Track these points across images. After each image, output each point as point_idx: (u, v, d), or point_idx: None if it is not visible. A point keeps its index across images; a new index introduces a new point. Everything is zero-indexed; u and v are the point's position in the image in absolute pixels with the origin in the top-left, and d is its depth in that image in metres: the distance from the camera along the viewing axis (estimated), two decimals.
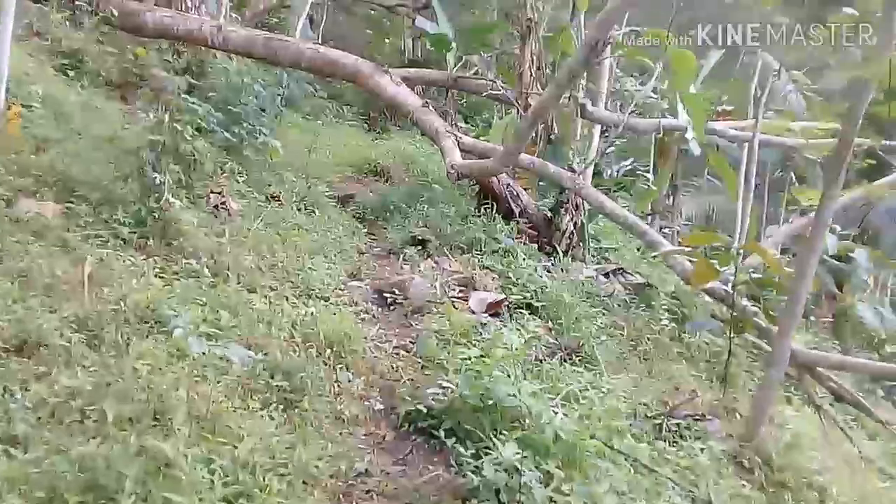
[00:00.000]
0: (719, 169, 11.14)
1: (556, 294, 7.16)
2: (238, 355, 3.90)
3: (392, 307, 6.49)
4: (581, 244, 9.29)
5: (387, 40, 22.01)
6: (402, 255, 7.97)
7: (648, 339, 7.71)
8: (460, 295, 6.81)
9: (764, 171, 16.18)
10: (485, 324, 6.17)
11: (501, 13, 20.18)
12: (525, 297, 7.05)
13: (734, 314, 6.32)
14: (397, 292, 6.51)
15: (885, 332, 13.99)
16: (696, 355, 7.93)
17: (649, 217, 15.20)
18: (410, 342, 5.69)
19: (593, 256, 9.40)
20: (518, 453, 3.63)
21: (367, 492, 3.71)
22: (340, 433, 4.21)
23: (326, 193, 9.99)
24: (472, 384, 4.17)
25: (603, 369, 6.21)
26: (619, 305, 8.11)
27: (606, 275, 8.60)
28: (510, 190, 9.50)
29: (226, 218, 7.18)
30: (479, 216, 9.03)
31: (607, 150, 16.88)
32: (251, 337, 4.76)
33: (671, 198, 16.25)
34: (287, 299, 5.79)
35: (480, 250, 8.08)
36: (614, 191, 14.93)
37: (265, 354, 4.54)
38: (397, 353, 5.55)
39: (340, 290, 6.60)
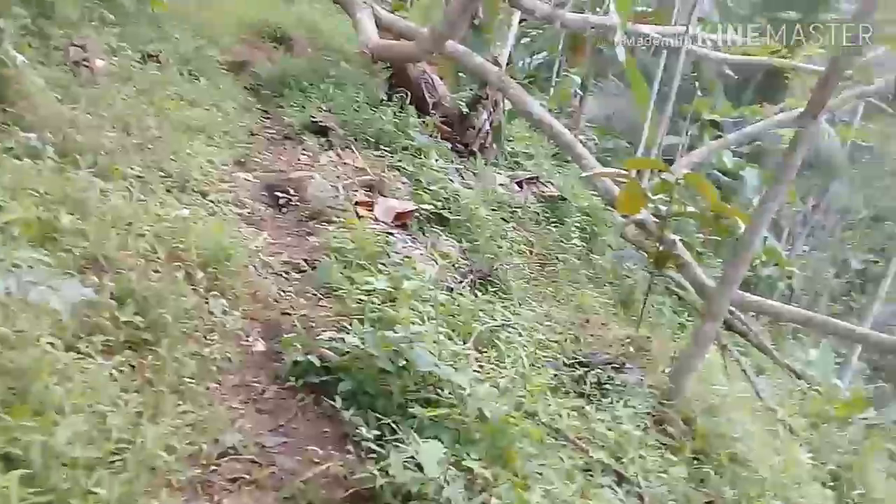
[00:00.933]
0: (631, 75, 10.28)
1: (470, 206, 6.22)
2: (68, 297, 2.77)
3: (285, 209, 5.37)
4: (496, 145, 8.32)
5: None
6: (300, 143, 6.75)
7: (558, 258, 6.98)
8: (366, 199, 5.75)
9: (671, 80, 15.62)
10: (391, 237, 5.19)
11: None
12: (436, 207, 6.08)
13: (660, 248, 5.60)
14: (292, 192, 5.38)
15: (762, 253, 14.01)
16: (601, 277, 7.31)
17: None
18: (304, 261, 4.62)
19: (507, 160, 8.46)
20: (437, 440, 2.77)
21: (234, 480, 2.76)
22: (207, 388, 3.21)
23: (217, 59, 8.48)
24: (380, 341, 3.22)
25: (516, 300, 5.40)
26: (530, 219, 7.30)
27: (520, 183, 7.73)
28: (425, 78, 8.31)
29: (87, 79, 5.73)
30: (390, 105, 7.83)
31: (521, 40, 15.77)
32: (99, 248, 3.59)
33: (578, 98, 15.41)
34: (154, 193, 4.57)
35: (389, 145, 6.97)
36: (526, 83, 13.98)
37: (116, 274, 3.42)
38: (287, 274, 4.49)
39: (223, 182, 5.40)
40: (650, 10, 14.37)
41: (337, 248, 4.59)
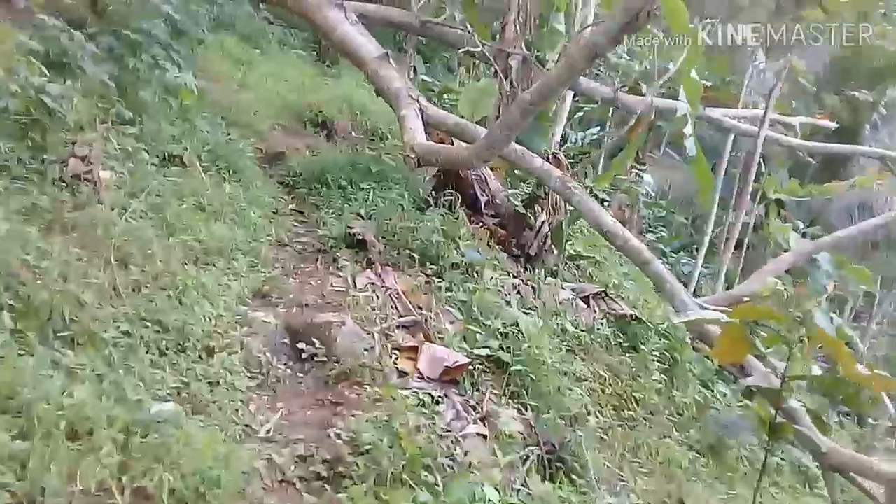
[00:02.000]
0: (698, 168, 9.00)
1: (533, 344, 5.02)
2: None
3: (308, 365, 4.23)
4: (556, 250, 7.13)
5: None
6: (334, 261, 5.66)
7: (636, 399, 5.71)
8: (409, 345, 4.59)
9: (737, 158, 14.35)
10: (439, 407, 4.01)
11: None
12: (492, 349, 4.89)
13: (777, 416, 4.30)
14: (318, 344, 4.23)
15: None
16: (684, 414, 6.02)
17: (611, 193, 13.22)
18: (324, 463, 3.43)
19: (568, 267, 7.25)
20: None
21: None
22: None
23: (250, 151, 7.53)
24: None
25: (593, 481, 4.16)
26: (600, 345, 6.06)
27: (586, 299, 6.50)
28: (477, 173, 7.21)
29: (88, 197, 4.74)
30: (438, 207, 6.72)
31: (575, 114, 14.71)
32: (36, 485, 2.49)
33: (634, 173, 14.19)
34: (139, 363, 3.48)
35: (437, 263, 5.83)
36: (578, 159, 12.86)
37: None
38: (303, 483, 3.30)
39: (235, 330, 4.30)
40: (714, 84, 13.20)
41: (367, 450, 3.38)
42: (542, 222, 7.08)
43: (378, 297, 5.21)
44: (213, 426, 3.33)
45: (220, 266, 4.95)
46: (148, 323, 3.86)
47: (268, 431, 3.54)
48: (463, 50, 7.73)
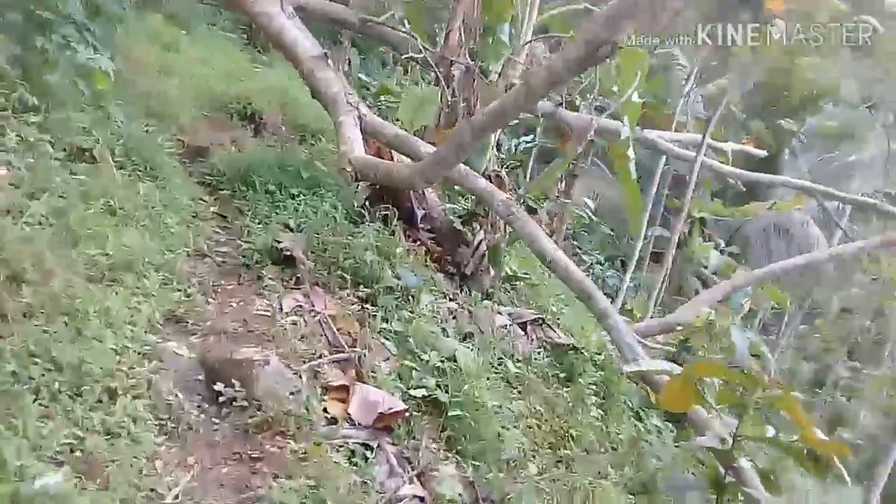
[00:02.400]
0: (625, 185, 8.87)
1: (471, 381, 4.65)
2: None
3: (225, 410, 3.71)
4: (493, 270, 6.79)
5: None
6: (259, 279, 5.13)
7: (572, 436, 5.44)
8: (339, 384, 4.13)
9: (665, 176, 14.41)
10: (371, 463, 3.58)
11: None
12: (429, 389, 4.49)
13: (726, 475, 4.08)
14: (237, 386, 3.71)
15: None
16: (620, 457, 5.78)
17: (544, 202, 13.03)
18: None
19: (504, 288, 6.92)
20: None
21: None
22: None
23: (170, 146, 6.85)
24: None
25: None
26: (536, 376, 5.76)
27: (523, 325, 6.18)
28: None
29: None
30: (373, 218, 6.26)
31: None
32: None
33: (564, 182, 14.04)
34: (21, 415, 2.91)
35: (371, 285, 5.37)
36: (512, 167, 12.62)
37: None
38: None
39: (142, 363, 3.74)
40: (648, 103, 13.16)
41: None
42: (480, 241, 6.72)
43: (306, 324, 4.72)
44: (111, 496, 2.80)
45: (129, 284, 4.35)
46: (38, 360, 3.27)
47: (176, 497, 3.03)
48: (406, 56, 7.25)
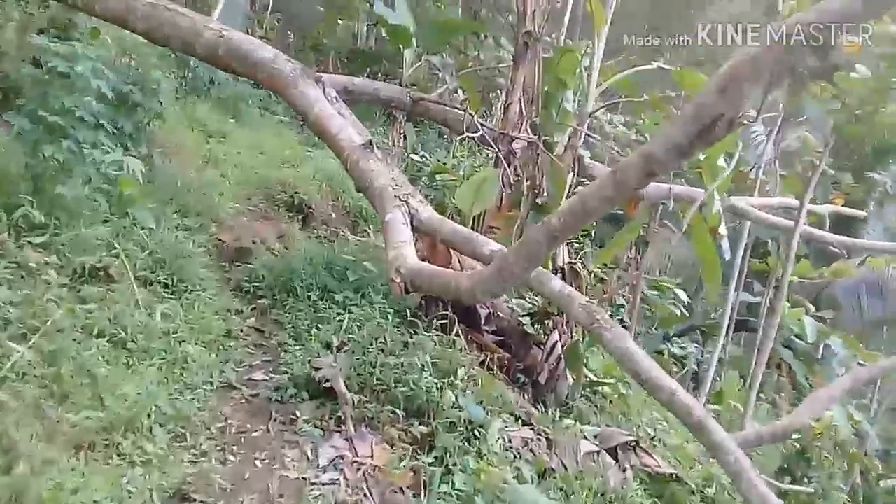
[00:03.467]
0: (707, 263, 7.58)
1: None
2: None
3: None
4: (571, 377, 5.61)
5: (339, 21, 17.79)
6: (292, 423, 4.10)
7: None
8: None
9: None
10: None
11: (468, 11, 16.16)
12: None
13: None
14: None
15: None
16: None
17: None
18: None
19: (586, 398, 5.71)
20: None
21: None
22: None
23: (207, 247, 6.02)
24: None
25: None
26: None
27: (613, 451, 4.95)
28: None
29: None
30: (430, 324, 5.21)
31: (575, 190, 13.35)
32: None
33: (635, 249, 12.75)
34: None
35: (429, 417, 4.28)
36: (583, 236, 11.45)
37: None
38: None
39: None
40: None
41: None
42: (555, 343, 5.58)
43: (347, 482, 3.64)
44: None
45: (126, 450, 3.38)
46: None
47: None
48: (462, 136, 6.28)
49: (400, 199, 4.85)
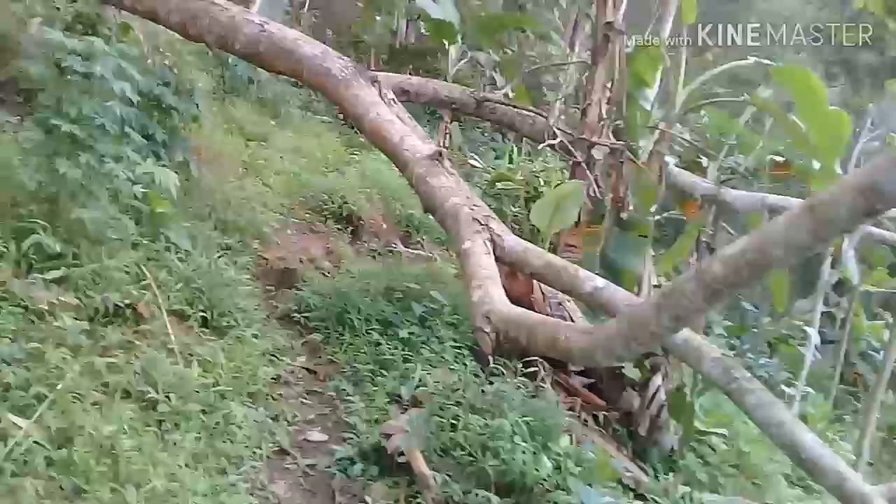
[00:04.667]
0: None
1: None
2: None
3: None
4: (675, 428, 4.64)
5: (377, 17, 16.83)
6: (362, 501, 3.20)
7: None
8: None
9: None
10: None
11: (513, 4, 15.06)
12: None
13: None
14: None
15: None
16: None
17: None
18: None
19: (697, 452, 4.72)
20: None
21: None
22: None
23: (250, 269, 5.15)
24: None
25: None
26: None
27: None
28: (563, 313, 4.78)
29: None
30: (513, 368, 4.28)
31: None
32: None
33: (696, 254, 11.54)
34: None
35: (529, 498, 3.34)
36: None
37: None
38: None
39: None
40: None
41: None
42: (658, 388, 4.62)
43: None
44: None
45: None
46: None
47: None
48: (544, 144, 5.30)
49: (480, 224, 3.91)
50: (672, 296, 2.70)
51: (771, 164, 7.09)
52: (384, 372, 4.17)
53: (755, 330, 11.94)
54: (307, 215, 6.83)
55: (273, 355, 4.31)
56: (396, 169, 4.92)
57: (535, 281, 4.61)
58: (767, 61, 6.05)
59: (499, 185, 7.37)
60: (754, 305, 12.42)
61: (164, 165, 4.96)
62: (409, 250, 7.21)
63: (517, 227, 8.05)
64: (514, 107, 5.72)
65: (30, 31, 5.86)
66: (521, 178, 7.58)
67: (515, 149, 9.25)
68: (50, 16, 6.44)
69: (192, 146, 5.97)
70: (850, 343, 10.70)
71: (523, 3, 14.73)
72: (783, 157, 6.84)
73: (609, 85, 5.69)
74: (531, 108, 5.74)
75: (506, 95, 6.74)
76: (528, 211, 8.15)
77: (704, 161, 7.91)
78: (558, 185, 6.35)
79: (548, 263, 3.81)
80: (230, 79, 8.86)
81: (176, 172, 4.78)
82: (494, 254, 3.86)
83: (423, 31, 13.10)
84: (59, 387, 2.94)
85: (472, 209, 4.01)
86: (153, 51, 6.20)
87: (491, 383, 4.11)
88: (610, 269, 5.47)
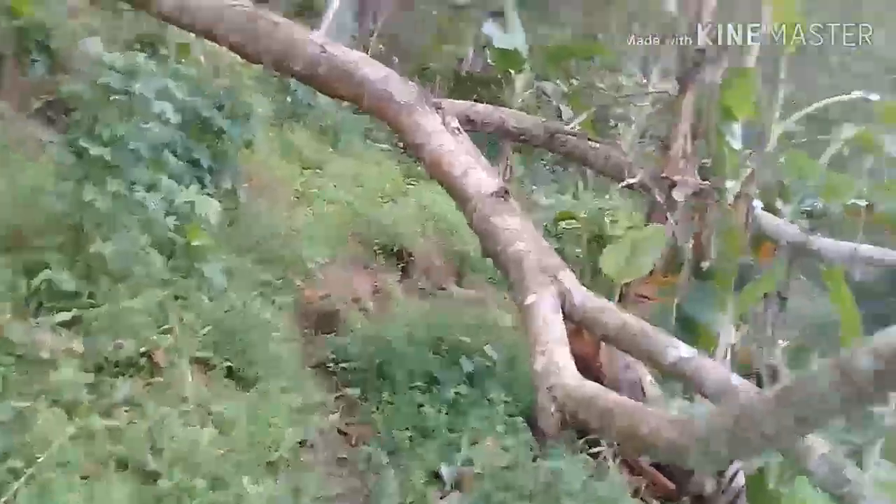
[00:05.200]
0: (844, 312, 5.74)
1: None
2: None
3: None
4: None
5: (444, 46, 16.46)
6: None
7: None
8: None
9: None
10: None
11: (586, 28, 14.44)
12: None
13: None
14: None
15: None
16: None
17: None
18: None
19: None
20: None
21: None
22: None
23: (286, 312, 4.65)
24: None
25: None
26: None
27: None
28: (631, 378, 4.10)
29: None
30: (572, 443, 3.62)
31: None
32: None
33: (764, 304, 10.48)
34: None
35: None
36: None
37: None
38: None
39: None
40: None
41: None
42: (738, 470, 3.87)
43: None
44: None
45: None
46: None
47: None
48: (623, 183, 4.66)
49: (548, 276, 3.29)
50: (798, 391, 2.02)
51: (850, 209, 6.25)
52: (424, 441, 3.57)
53: None
54: (358, 249, 6.34)
55: (302, 413, 3.77)
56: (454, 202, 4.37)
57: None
58: (875, 96, 5.27)
59: (562, 223, 6.73)
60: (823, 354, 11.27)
61: (208, 193, 4.57)
62: (462, 290, 6.64)
63: (577, 270, 7.36)
64: (589, 139, 5.09)
65: (81, 47, 5.60)
66: (585, 215, 6.92)
67: (581, 184, 8.58)
68: (111, 34, 6.22)
69: (242, 173, 5.58)
70: None
71: (594, 33, 14.13)
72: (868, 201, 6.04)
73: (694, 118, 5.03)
74: (606, 141, 5.11)
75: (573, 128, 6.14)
76: (590, 253, 7.48)
77: (779, 203, 7.07)
78: (630, 227, 5.70)
79: (624, 326, 3.15)
80: (291, 104, 8.54)
81: (220, 201, 4.38)
82: (563, 310, 3.23)
83: (489, 60, 12.63)
84: (40, 459, 2.46)
85: (539, 257, 3.41)
86: (213, 72, 5.87)
87: (546, 457, 3.47)
88: (686, 325, 4.78)
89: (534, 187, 9.53)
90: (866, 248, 5.99)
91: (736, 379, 2.86)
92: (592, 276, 7.31)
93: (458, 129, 4.53)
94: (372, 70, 4.60)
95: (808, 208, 7.57)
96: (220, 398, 3.48)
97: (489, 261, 4.25)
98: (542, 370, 2.80)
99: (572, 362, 2.85)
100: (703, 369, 2.92)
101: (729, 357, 4.86)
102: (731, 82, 5.24)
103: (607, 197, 8.08)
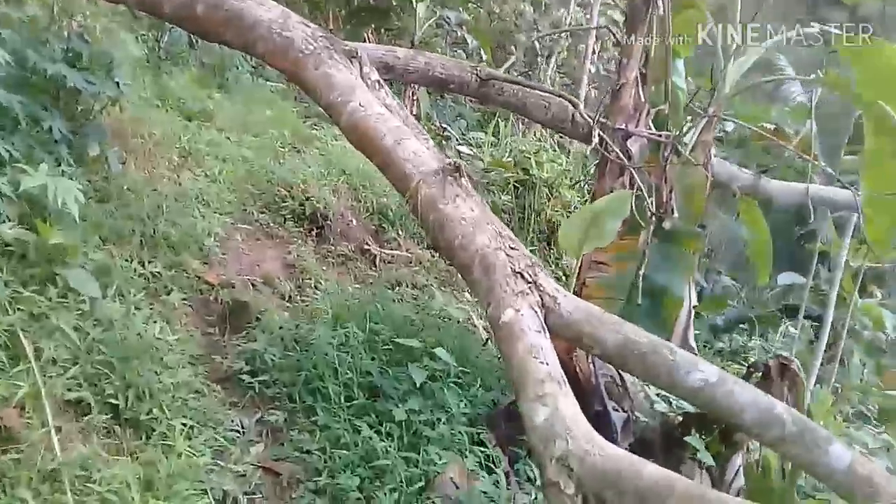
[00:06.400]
0: (756, 248, 5.57)
1: None
2: None
3: None
4: None
5: None
6: None
7: None
8: None
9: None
10: None
11: None
12: None
13: None
14: None
15: None
16: None
17: None
18: None
19: None
20: None
21: None
22: None
23: (181, 312, 3.63)
24: None
25: None
26: None
27: None
28: (606, 379, 3.45)
29: None
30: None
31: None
32: None
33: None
34: None
35: None
36: None
37: None
38: None
39: None
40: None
41: None
42: (738, 469, 3.36)
43: None
44: None
45: None
46: None
47: None
48: (591, 147, 3.84)
49: (525, 281, 2.49)
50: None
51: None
52: (376, 479, 2.77)
53: (733, 305, 10.81)
54: (261, 215, 5.26)
55: (216, 458, 2.85)
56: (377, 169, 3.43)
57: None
58: (836, 30, 4.68)
59: (493, 172, 5.90)
60: (734, 279, 11.32)
61: (67, 170, 3.45)
62: (385, 251, 5.76)
63: (507, 217, 6.66)
64: (531, 87, 4.22)
65: None
66: (510, 160, 6.13)
67: (501, 122, 7.69)
68: None
69: (110, 135, 4.35)
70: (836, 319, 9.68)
71: None
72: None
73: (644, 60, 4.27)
74: (552, 90, 4.27)
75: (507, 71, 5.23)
76: (517, 198, 6.77)
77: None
78: (552, 161, 4.93)
79: (626, 342, 2.43)
80: (167, 43, 7.06)
81: (85, 177, 3.26)
82: (546, 323, 2.46)
83: None
84: None
85: (508, 254, 2.59)
86: (61, 15, 4.46)
87: (520, 485, 2.77)
88: (648, 290, 4.18)
89: (444, 127, 8.57)
90: (816, 189, 5.58)
91: (781, 407, 2.23)
92: (520, 223, 6.65)
93: (380, 83, 3.55)
94: (264, 10, 3.48)
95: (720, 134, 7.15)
96: (102, 459, 2.52)
97: (412, 216, 3.36)
98: (545, 430, 2.03)
99: (580, 412, 2.10)
100: (736, 396, 2.27)
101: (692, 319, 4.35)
102: (681, 14, 4.50)
103: (532, 136, 7.34)
